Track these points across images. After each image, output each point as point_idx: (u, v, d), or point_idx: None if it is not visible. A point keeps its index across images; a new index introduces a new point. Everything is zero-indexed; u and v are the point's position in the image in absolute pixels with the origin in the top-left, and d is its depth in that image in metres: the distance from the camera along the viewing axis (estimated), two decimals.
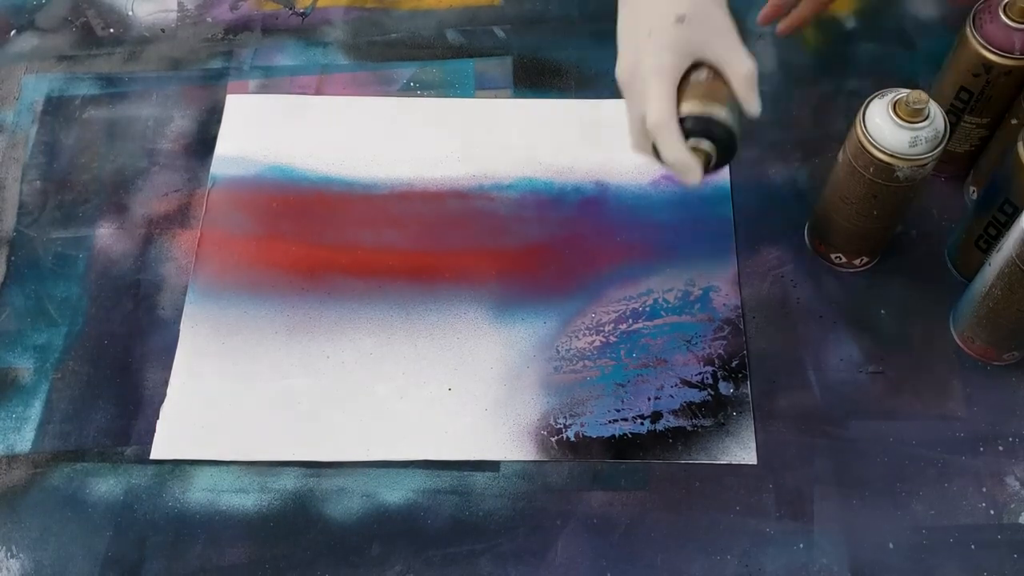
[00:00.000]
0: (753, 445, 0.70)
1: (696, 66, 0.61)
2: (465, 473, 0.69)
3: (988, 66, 0.70)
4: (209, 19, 0.93)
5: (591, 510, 0.68)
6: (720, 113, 0.60)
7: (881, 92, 0.67)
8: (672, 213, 0.80)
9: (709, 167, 0.61)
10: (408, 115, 0.86)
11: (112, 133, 0.86)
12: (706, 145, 0.60)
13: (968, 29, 0.71)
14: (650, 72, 0.60)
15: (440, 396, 0.72)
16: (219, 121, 0.86)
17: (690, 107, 0.60)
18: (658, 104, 0.59)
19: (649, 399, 0.72)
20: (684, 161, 0.60)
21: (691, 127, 0.60)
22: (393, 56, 0.90)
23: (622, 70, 0.62)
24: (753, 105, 0.61)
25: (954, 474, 0.69)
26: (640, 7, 0.62)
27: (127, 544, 0.67)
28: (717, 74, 0.61)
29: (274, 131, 0.85)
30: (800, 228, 0.79)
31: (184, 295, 0.77)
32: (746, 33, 0.89)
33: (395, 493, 0.69)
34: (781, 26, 0.82)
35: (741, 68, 0.60)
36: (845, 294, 0.76)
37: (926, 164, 0.66)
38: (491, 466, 0.70)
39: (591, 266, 0.78)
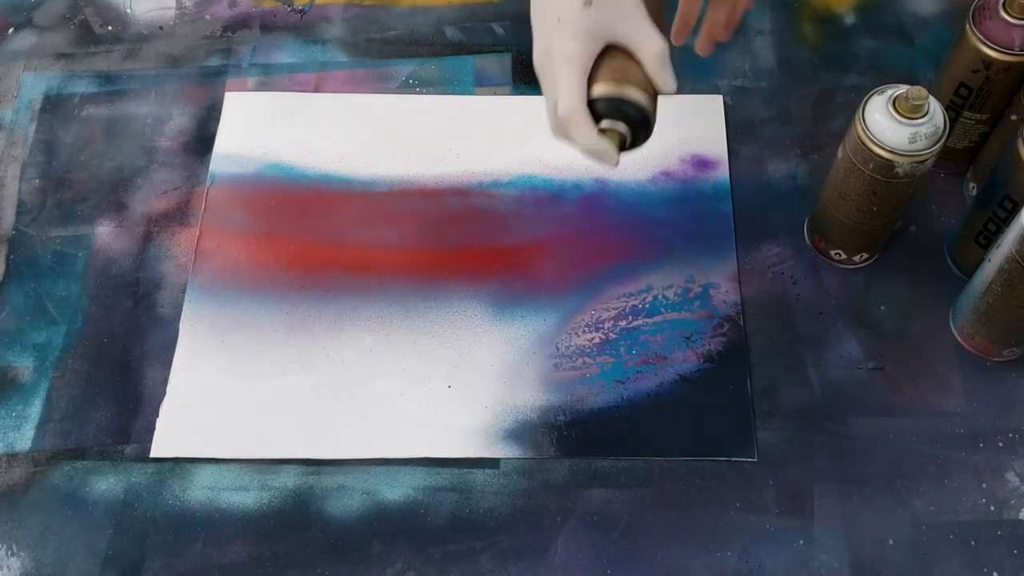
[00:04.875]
0: (753, 442, 0.70)
1: (610, 49, 0.60)
2: (465, 470, 0.69)
3: (987, 62, 0.70)
4: (207, 16, 0.93)
5: (591, 507, 0.68)
6: (631, 93, 0.59)
7: (880, 88, 0.67)
8: (671, 210, 0.80)
9: (625, 147, 0.61)
10: (407, 112, 0.86)
11: (111, 131, 0.86)
12: (620, 126, 0.60)
13: (967, 25, 0.71)
14: (561, 60, 0.60)
15: (440, 393, 0.72)
16: (218, 119, 0.86)
17: (601, 89, 0.59)
18: (568, 91, 0.59)
19: (649, 396, 0.72)
20: (596, 147, 0.59)
21: (603, 109, 0.59)
22: (392, 53, 0.90)
23: (536, 58, 0.62)
24: (666, 83, 0.60)
25: (954, 470, 0.69)
26: None
27: (127, 542, 0.67)
28: (630, 55, 0.60)
29: (273, 129, 0.85)
30: (800, 225, 0.79)
31: (183, 293, 0.77)
32: (745, 28, 0.90)
33: (395, 490, 0.69)
34: (697, 45, 0.78)
35: (651, 47, 0.60)
36: (845, 290, 0.76)
37: (926, 160, 0.66)
38: (491, 463, 0.70)
39: (590, 263, 0.78)
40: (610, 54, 0.60)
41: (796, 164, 0.83)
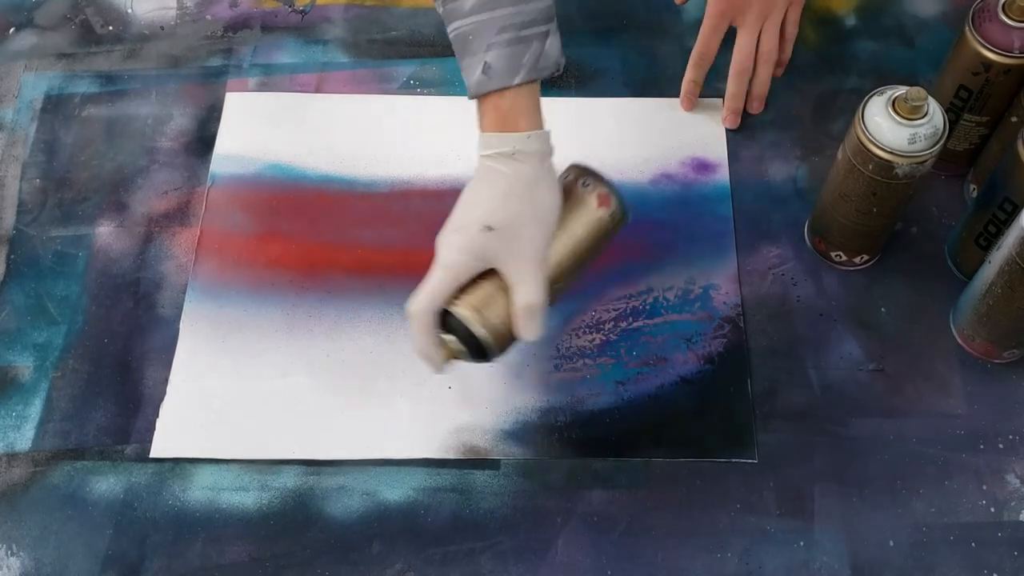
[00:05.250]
0: (753, 443, 0.70)
1: (497, 272, 0.61)
2: (465, 471, 0.69)
3: (987, 65, 0.71)
4: (208, 16, 0.93)
5: (591, 508, 0.68)
6: (479, 329, 0.60)
7: (880, 90, 0.67)
8: (672, 211, 0.80)
9: (459, 359, 0.63)
10: (408, 113, 0.86)
11: (111, 131, 0.86)
12: (456, 346, 0.62)
13: (967, 28, 0.71)
14: (439, 263, 0.61)
15: (440, 394, 0.72)
16: (218, 119, 0.86)
17: (457, 308, 0.61)
18: (424, 295, 0.61)
19: (649, 397, 0.72)
20: (423, 353, 0.62)
21: (452, 324, 0.61)
22: (393, 54, 0.90)
23: (440, 234, 0.62)
24: (528, 334, 0.61)
25: (954, 471, 0.69)
26: (467, 201, 0.62)
27: (127, 542, 0.67)
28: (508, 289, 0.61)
29: (274, 129, 0.85)
30: (800, 226, 0.79)
31: (184, 293, 0.77)
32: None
33: (395, 491, 0.69)
34: (727, 122, 0.84)
35: (524, 298, 0.60)
36: (845, 292, 0.76)
37: (925, 161, 0.66)
38: (491, 464, 0.70)
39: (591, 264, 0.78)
40: (495, 278, 0.61)
41: (796, 166, 0.83)
